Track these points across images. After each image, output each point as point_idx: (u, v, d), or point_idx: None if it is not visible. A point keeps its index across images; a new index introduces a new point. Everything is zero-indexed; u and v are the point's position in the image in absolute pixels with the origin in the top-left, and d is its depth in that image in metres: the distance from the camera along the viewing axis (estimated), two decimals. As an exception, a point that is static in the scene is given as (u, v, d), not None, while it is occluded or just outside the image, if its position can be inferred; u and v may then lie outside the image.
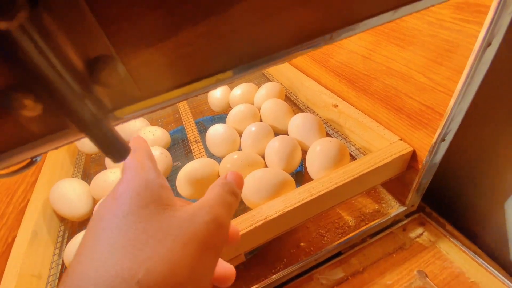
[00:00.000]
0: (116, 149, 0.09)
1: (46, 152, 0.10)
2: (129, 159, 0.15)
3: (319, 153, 0.34)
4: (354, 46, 0.35)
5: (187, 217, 0.13)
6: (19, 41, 0.06)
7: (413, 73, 0.28)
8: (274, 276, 0.34)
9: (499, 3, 0.19)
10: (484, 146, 0.35)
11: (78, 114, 0.08)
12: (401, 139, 0.33)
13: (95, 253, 0.11)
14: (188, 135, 0.48)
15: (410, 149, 0.31)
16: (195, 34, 0.09)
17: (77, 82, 0.08)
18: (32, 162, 0.12)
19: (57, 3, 0.06)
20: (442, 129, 0.27)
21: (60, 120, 0.08)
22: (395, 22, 0.28)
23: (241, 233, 0.28)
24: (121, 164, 0.13)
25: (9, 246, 0.34)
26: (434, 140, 0.29)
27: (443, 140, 0.29)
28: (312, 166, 0.34)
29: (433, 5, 0.15)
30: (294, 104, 0.52)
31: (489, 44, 0.21)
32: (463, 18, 0.22)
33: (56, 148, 0.10)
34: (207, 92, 0.11)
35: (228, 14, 0.09)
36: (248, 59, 0.10)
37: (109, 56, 0.08)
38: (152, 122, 0.58)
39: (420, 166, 0.32)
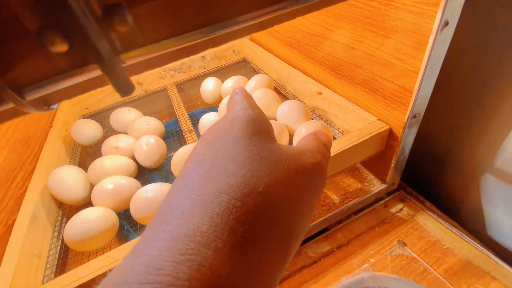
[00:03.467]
0: (124, 84, 0.11)
1: (69, 92, 0.12)
2: (237, 96, 0.16)
3: (304, 134, 0.36)
4: (336, 36, 0.38)
5: (294, 153, 0.13)
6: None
7: (387, 56, 0.31)
8: (265, 250, 0.36)
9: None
10: (458, 128, 0.38)
11: (97, 48, 0.10)
12: (379, 119, 0.36)
13: (215, 167, 0.12)
14: (181, 126, 0.50)
15: (386, 127, 0.34)
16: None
17: (97, 23, 0.10)
18: (49, 108, 0.14)
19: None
20: (413, 106, 0.30)
21: (82, 57, 0.11)
22: (367, 9, 0.31)
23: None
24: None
25: (9, 228, 0.35)
26: (406, 116, 0.31)
27: (414, 116, 0.32)
28: (298, 146, 0.37)
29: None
30: (283, 95, 0.54)
31: (446, 24, 0.24)
32: (423, 1, 0.25)
33: (76, 88, 0.12)
34: (200, 50, 0.13)
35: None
36: (230, 16, 0.12)
37: (121, 4, 0.10)
38: (146, 115, 0.59)
39: (396, 143, 0.35)
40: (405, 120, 0.32)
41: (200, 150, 0.13)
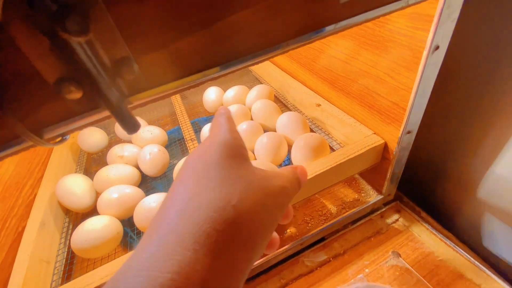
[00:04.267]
0: (131, 124, 0.13)
1: (81, 128, 0.13)
2: (220, 118, 0.18)
3: (302, 146, 0.38)
4: (333, 51, 0.40)
5: (266, 176, 0.16)
6: (75, 48, 0.10)
7: (381, 74, 0.32)
8: (263, 258, 0.37)
9: (441, 13, 0.23)
10: (453, 141, 0.39)
11: (108, 97, 0.11)
12: (374, 133, 0.37)
13: (197, 187, 0.14)
14: (184, 134, 0.51)
15: (382, 141, 0.35)
16: (190, 42, 0.13)
17: (107, 75, 0.11)
18: (62, 140, 0.15)
19: (97, 27, 0.10)
20: (406, 122, 0.31)
21: (94, 102, 0.12)
22: (363, 29, 0.32)
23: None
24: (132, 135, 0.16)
25: (20, 235, 0.37)
26: (400, 132, 0.32)
27: (408, 132, 0.33)
28: (296, 158, 0.38)
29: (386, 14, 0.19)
30: (283, 104, 0.56)
31: (437, 48, 0.25)
32: (414, 26, 0.26)
33: (88, 125, 0.13)
34: (197, 86, 0.15)
35: (230, 19, 0.13)
36: (235, 57, 0.14)
37: (128, 57, 0.12)
38: (150, 123, 0.61)
39: (391, 157, 0.36)
40: (399, 135, 0.33)
41: (184, 171, 0.16)
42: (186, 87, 0.14)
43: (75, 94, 0.11)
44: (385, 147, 0.36)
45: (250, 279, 0.38)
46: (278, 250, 0.38)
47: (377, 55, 0.32)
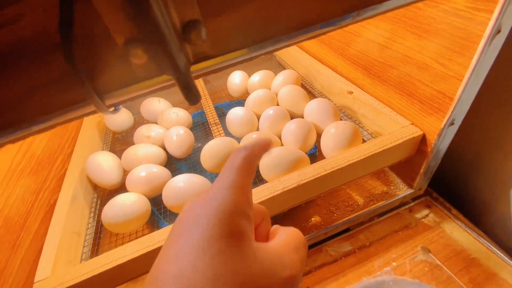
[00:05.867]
0: (194, 94, 0.12)
1: (142, 96, 0.13)
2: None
3: (333, 134, 0.36)
4: (372, 34, 0.37)
5: (268, 268, 0.13)
6: (153, 6, 0.09)
7: (427, 59, 0.30)
8: (287, 245, 0.37)
9: (509, -7, 0.21)
10: (491, 135, 0.37)
11: (176, 62, 0.11)
12: (412, 124, 0.35)
13: (178, 257, 0.12)
14: (208, 118, 0.51)
15: (420, 132, 0.34)
16: (254, 8, 0.12)
17: (177, 37, 0.11)
18: (116, 110, 0.15)
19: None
20: (452, 113, 0.29)
21: (159, 68, 0.11)
22: (411, 10, 0.30)
23: (260, 201, 0.31)
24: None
25: (52, 207, 0.38)
26: (443, 123, 0.31)
27: (451, 124, 0.31)
28: (326, 147, 0.37)
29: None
30: (310, 92, 0.54)
31: (498, 31, 0.23)
32: (475, 7, 0.24)
33: (149, 93, 0.13)
34: (262, 55, 0.14)
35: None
36: (295, 28, 0.13)
37: (198, 20, 0.11)
38: (174, 105, 0.61)
39: (428, 150, 0.34)
40: (442, 126, 0.31)
41: (173, 237, 0.13)
42: (251, 55, 0.13)
43: (141, 58, 0.11)
44: (423, 139, 0.34)
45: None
46: (302, 238, 0.38)
47: (425, 38, 0.30)
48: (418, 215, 0.40)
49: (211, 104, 0.55)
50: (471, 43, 0.26)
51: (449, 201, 0.41)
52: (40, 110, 0.11)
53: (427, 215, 0.39)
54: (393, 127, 0.36)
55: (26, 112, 0.11)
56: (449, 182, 0.45)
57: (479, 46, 0.24)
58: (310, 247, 0.39)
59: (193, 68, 0.12)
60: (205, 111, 0.53)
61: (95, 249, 0.36)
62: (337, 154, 0.34)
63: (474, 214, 0.41)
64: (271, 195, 0.31)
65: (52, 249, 0.33)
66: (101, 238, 0.39)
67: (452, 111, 0.29)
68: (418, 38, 0.31)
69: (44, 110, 0.11)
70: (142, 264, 0.30)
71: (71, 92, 0.11)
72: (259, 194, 0.31)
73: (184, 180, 0.35)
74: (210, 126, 0.49)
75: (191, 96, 0.12)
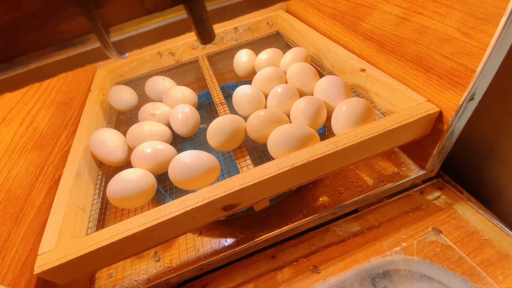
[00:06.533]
0: (207, 31, 0.11)
1: (151, 35, 0.12)
2: None
3: (345, 111, 0.35)
4: (388, 6, 0.35)
5: None
6: None
7: (448, 29, 0.29)
8: (293, 224, 0.37)
9: None
10: (507, 118, 0.35)
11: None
12: (428, 100, 0.34)
13: None
14: (213, 98, 0.49)
15: (436, 109, 0.32)
16: None
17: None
18: (122, 57, 0.14)
19: None
20: (473, 86, 0.28)
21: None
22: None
23: (268, 177, 0.30)
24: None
25: (56, 182, 0.37)
26: (463, 98, 0.29)
27: (471, 99, 0.29)
28: (338, 124, 0.35)
29: None
30: (319, 72, 0.52)
31: (533, -7, 0.21)
32: (509, -35, 0.22)
33: (158, 34, 0.11)
34: None
35: None
36: None
37: None
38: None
39: (445, 128, 0.33)
40: (461, 102, 0.29)
41: None
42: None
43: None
44: (439, 116, 0.33)
45: (278, 243, 0.37)
46: (308, 218, 0.37)
47: (449, 6, 0.28)
48: (430, 197, 0.38)
49: (217, 84, 0.53)
50: (498, 8, 0.24)
51: (460, 183, 0.39)
52: (39, 41, 0.10)
53: (438, 197, 0.38)
54: (408, 105, 0.35)
55: (21, 43, 0.10)
56: (463, 166, 0.44)
57: (506, 10, 0.23)
58: (318, 227, 0.38)
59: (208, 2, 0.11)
60: (211, 92, 0.52)
61: (101, 224, 0.36)
62: (348, 131, 0.32)
63: (486, 198, 0.40)
64: (279, 171, 0.30)
65: (57, 223, 0.32)
66: (106, 214, 0.39)
67: (473, 84, 0.28)
68: (439, 5, 0.29)
69: (42, 42, 0.10)
70: (148, 238, 0.30)
71: (76, 19, 0.10)
72: (267, 171, 0.30)
73: (190, 156, 0.34)
74: (216, 106, 0.48)
75: (203, 32, 0.11)
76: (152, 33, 0.12)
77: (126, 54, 0.14)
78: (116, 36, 0.11)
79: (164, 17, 0.11)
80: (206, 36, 0.11)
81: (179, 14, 0.11)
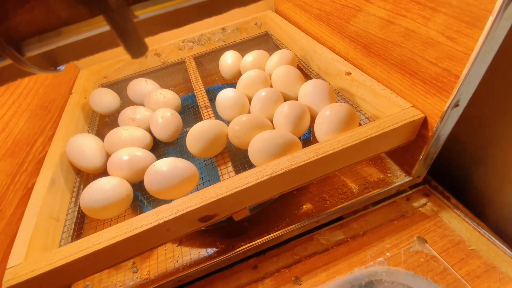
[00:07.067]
0: (135, 43, 0.09)
1: (70, 49, 0.10)
2: None
3: (328, 117, 0.34)
4: (373, 7, 0.34)
5: None
6: None
7: (433, 33, 0.27)
8: (276, 233, 0.36)
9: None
10: (497, 123, 0.34)
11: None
12: (413, 106, 0.32)
13: None
14: (198, 101, 0.48)
15: (421, 115, 0.31)
16: None
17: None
18: (56, 70, 0.12)
19: None
20: (457, 92, 0.27)
21: (87, 7, 0.09)
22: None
23: (246, 187, 0.29)
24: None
25: (29, 191, 0.36)
26: (448, 104, 0.28)
27: (456, 105, 0.28)
28: (320, 130, 0.34)
29: None
30: (306, 75, 0.51)
31: (516, -4, 0.20)
32: (491, -33, 0.21)
33: (79, 44, 0.10)
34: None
35: None
36: None
37: None
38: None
39: (430, 134, 0.32)
40: (445, 108, 0.28)
41: None
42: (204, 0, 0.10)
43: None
44: (424, 122, 0.32)
45: (261, 253, 0.36)
46: (291, 226, 0.36)
47: (433, 8, 0.27)
48: (416, 204, 0.38)
49: (202, 87, 0.52)
50: (482, 11, 0.23)
51: (448, 190, 0.39)
52: None
53: (425, 204, 0.37)
54: (392, 110, 0.34)
55: None
56: (450, 172, 0.43)
57: (492, 12, 0.22)
58: (301, 235, 0.37)
59: (136, 11, 0.10)
60: (196, 95, 0.50)
61: (75, 235, 0.35)
62: (330, 138, 0.31)
63: (475, 205, 0.39)
64: (258, 181, 0.29)
65: (26, 234, 0.31)
66: (84, 223, 0.38)
67: (457, 90, 0.26)
68: (424, 8, 0.28)
69: None
70: (121, 251, 0.29)
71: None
72: (246, 179, 0.29)
73: (167, 164, 0.33)
74: (200, 109, 0.47)
75: (130, 45, 0.09)
76: (76, 45, 0.10)
77: (62, 67, 0.13)
78: (32, 50, 0.10)
79: (82, 29, 0.09)
80: (134, 49, 0.10)
81: (99, 24, 0.09)
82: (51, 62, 0.12)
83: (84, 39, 0.10)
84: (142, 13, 0.10)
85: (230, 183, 0.29)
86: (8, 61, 0.10)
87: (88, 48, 0.11)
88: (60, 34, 0.10)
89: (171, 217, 0.28)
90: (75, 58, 0.12)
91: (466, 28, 0.24)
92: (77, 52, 0.12)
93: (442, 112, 0.29)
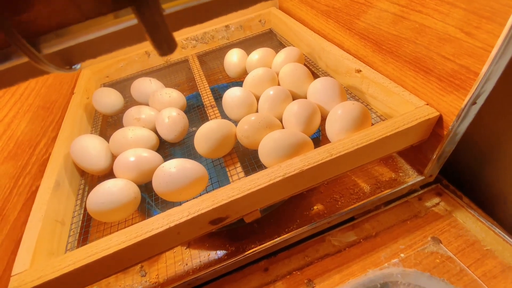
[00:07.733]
0: (165, 39, 0.09)
1: (91, 46, 0.09)
2: None
3: (340, 116, 0.33)
4: (385, 3, 0.33)
5: None
6: None
7: (450, 28, 0.27)
8: (286, 235, 0.35)
9: None
10: (508, 122, 0.34)
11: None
12: (427, 104, 0.32)
13: None
14: (203, 100, 0.47)
15: (436, 113, 0.30)
16: None
17: None
18: (71, 68, 0.12)
19: None
20: (476, 89, 0.26)
21: (115, 2, 0.08)
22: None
23: (258, 188, 0.28)
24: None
25: (33, 194, 0.35)
26: (465, 102, 0.27)
27: (474, 103, 0.28)
28: (332, 129, 0.34)
29: None
30: (313, 73, 0.50)
31: (544, -11, 0.19)
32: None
33: (101, 43, 0.09)
34: None
35: None
36: None
37: None
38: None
39: (445, 133, 0.31)
40: (462, 106, 0.28)
41: None
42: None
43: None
44: (439, 120, 0.31)
45: (271, 255, 0.36)
46: (303, 227, 0.35)
47: (450, 4, 0.26)
48: (428, 204, 0.37)
49: (207, 86, 0.51)
50: (504, 6, 0.22)
51: (460, 189, 0.38)
52: None
53: (437, 204, 0.37)
54: (406, 109, 0.33)
55: None
56: (462, 171, 0.42)
57: (517, 8, 0.21)
58: (312, 236, 0.36)
59: (165, 4, 0.09)
60: (201, 94, 0.49)
61: (81, 238, 0.34)
62: (343, 138, 0.30)
63: (487, 204, 0.38)
64: (271, 182, 0.28)
65: (31, 239, 0.30)
66: (90, 227, 0.37)
67: (476, 88, 0.26)
68: (440, 3, 0.27)
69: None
70: (130, 256, 0.28)
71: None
72: (258, 181, 0.28)
73: (176, 165, 0.32)
74: (206, 109, 0.46)
75: (160, 41, 0.09)
76: (102, 40, 0.09)
77: (78, 65, 0.12)
78: (49, 46, 0.09)
79: (107, 23, 0.08)
80: (164, 47, 0.09)
81: (127, 19, 0.09)
82: (66, 60, 0.11)
83: (105, 35, 0.10)
84: (169, 7, 0.09)
85: (242, 185, 0.28)
86: (21, 60, 0.09)
87: (109, 45, 0.10)
88: (81, 29, 0.09)
89: (182, 220, 0.27)
90: (93, 56, 0.11)
91: (487, 24, 0.24)
92: (96, 50, 0.11)
93: (459, 110, 0.28)
